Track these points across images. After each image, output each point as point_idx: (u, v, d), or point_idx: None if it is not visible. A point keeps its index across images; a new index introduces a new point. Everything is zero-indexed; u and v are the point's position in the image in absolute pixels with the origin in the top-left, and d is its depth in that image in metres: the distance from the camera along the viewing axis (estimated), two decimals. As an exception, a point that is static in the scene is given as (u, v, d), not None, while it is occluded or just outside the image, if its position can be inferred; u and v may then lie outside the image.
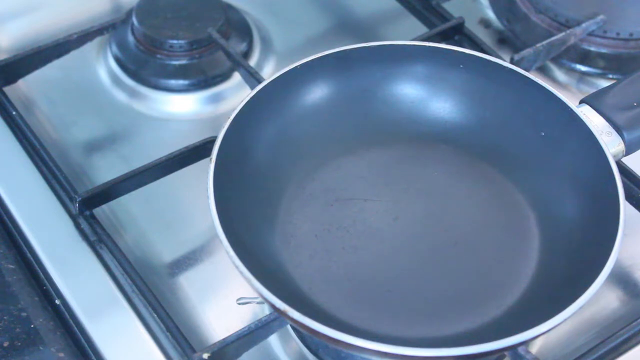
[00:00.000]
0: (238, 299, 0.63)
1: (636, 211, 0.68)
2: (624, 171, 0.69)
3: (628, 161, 0.68)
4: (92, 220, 0.67)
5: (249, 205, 0.63)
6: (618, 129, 0.64)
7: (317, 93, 0.69)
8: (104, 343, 0.61)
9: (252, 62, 0.83)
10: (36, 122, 0.78)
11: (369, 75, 0.70)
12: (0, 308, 0.62)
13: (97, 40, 0.83)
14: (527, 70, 0.69)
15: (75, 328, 0.62)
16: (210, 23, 0.81)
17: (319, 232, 0.65)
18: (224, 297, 0.66)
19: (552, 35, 0.81)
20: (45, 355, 0.60)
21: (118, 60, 0.82)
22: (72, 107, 0.80)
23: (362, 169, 0.69)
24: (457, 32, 0.82)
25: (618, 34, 0.81)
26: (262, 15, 0.89)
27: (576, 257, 0.61)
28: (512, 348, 0.54)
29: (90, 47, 0.83)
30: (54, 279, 0.64)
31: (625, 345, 0.61)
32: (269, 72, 0.82)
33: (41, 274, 0.65)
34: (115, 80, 0.82)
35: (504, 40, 0.87)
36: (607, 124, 0.64)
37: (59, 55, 0.80)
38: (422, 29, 0.84)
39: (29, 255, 0.67)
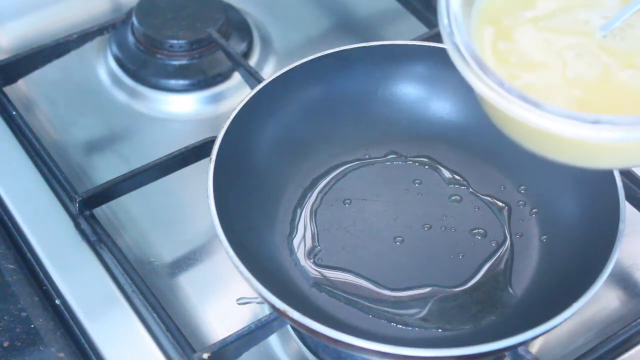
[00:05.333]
0: (238, 299, 0.63)
1: (636, 211, 0.68)
2: (624, 171, 0.69)
3: (628, 161, 0.68)
4: (92, 220, 0.67)
5: (249, 205, 0.63)
6: (618, 129, 0.64)
7: (317, 93, 0.69)
8: (104, 343, 0.61)
9: (252, 62, 0.83)
10: (36, 122, 0.77)
11: (369, 75, 0.70)
12: (0, 308, 0.62)
13: (97, 40, 0.83)
14: (527, 70, 0.69)
15: (75, 328, 0.62)
16: (210, 23, 0.81)
17: (319, 232, 0.65)
18: (224, 297, 0.66)
19: (552, 35, 0.81)
20: (45, 355, 0.60)
21: (118, 60, 0.82)
22: (72, 107, 0.80)
23: (362, 169, 0.69)
24: (457, 32, 0.82)
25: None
26: (262, 15, 0.89)
27: (576, 257, 0.61)
28: (512, 348, 0.54)
29: (90, 47, 0.83)
30: (54, 279, 0.64)
31: (625, 345, 0.61)
32: (269, 72, 0.82)
33: (41, 274, 0.65)
34: (115, 80, 0.82)
35: (504, 40, 0.87)
36: (607, 124, 0.64)
37: (59, 55, 0.80)
38: (422, 29, 0.84)
39: (29, 255, 0.67)
